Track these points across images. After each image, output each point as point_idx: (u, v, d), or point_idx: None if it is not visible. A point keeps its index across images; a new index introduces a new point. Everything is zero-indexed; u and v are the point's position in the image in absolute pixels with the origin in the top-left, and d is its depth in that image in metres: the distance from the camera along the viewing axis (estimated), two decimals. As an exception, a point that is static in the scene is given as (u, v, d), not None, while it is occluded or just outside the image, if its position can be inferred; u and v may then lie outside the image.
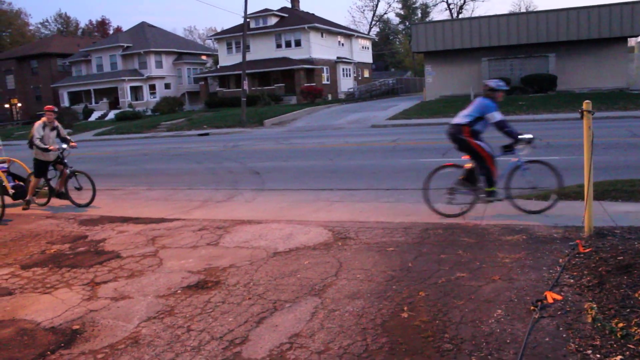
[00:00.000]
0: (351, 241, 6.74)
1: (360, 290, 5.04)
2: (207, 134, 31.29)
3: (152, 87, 57.78)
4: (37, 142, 10.38)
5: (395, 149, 16.86)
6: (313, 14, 58.43)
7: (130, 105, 54.15)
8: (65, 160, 10.74)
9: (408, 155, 14.99)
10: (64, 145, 10.62)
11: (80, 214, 9.90)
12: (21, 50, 68.03)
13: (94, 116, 54.34)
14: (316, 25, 51.12)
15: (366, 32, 78.20)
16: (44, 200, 11.04)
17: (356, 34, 62.15)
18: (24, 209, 10.76)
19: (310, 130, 28.39)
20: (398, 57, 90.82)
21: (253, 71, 48.39)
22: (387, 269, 5.57)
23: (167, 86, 58.71)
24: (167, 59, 58.97)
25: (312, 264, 5.94)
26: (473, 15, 76.62)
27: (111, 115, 52.39)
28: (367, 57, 64.57)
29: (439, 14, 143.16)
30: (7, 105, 58.83)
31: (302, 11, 58.28)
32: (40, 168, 10.72)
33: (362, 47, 62.74)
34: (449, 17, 79.08)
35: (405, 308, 4.58)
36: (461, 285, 5.01)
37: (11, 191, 10.91)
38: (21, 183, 11.46)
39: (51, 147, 10.38)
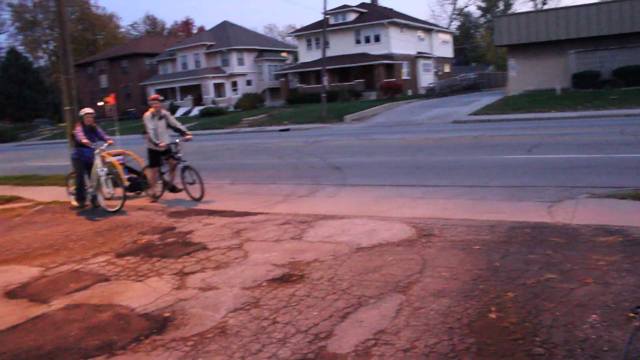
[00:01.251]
0: (435, 238, 6.63)
1: (446, 289, 4.95)
2: (287, 130, 31.72)
3: (234, 84, 59.17)
4: (151, 134, 10.63)
5: (477, 145, 16.48)
6: (392, 9, 57.96)
7: (213, 102, 55.70)
8: (179, 155, 10.74)
9: (491, 152, 14.60)
10: (177, 140, 10.83)
11: (168, 208, 10.26)
12: (113, 52, 71.61)
13: (179, 113, 56.23)
14: (395, 20, 50.69)
15: (446, 26, 76.66)
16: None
17: (436, 28, 61.12)
18: (152, 202, 11.01)
19: (390, 126, 28.20)
20: (479, 51, 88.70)
21: (333, 67, 48.59)
22: (473, 268, 5.44)
23: (248, 83, 59.97)
24: (249, 56, 60.22)
25: (396, 260, 5.89)
26: (559, 6, 73.64)
27: (195, 111, 54.09)
28: (448, 51, 63.39)
29: (522, 5, 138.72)
30: (99, 104, 61.83)
31: (381, 6, 57.91)
32: (153, 158, 10.91)
33: (442, 42, 61.64)
34: (533, 9, 76.28)
35: (493, 309, 4.45)
36: (552, 287, 4.81)
37: (126, 183, 11.36)
38: (135, 175, 11.95)
39: (161, 144, 10.59)
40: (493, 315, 4.33)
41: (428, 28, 58.39)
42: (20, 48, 78.09)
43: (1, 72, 64.47)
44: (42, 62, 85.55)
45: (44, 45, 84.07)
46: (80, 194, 10.92)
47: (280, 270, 5.84)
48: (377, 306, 4.70)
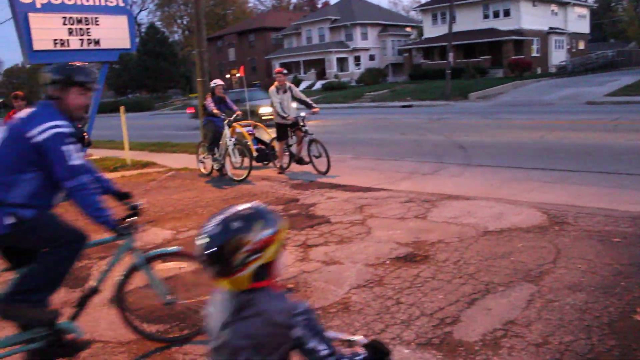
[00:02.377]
0: (569, 227, 6.22)
1: (582, 283, 4.62)
2: (410, 106, 31.24)
3: (357, 59, 59.08)
4: (278, 108, 10.85)
5: (616, 129, 15.29)
6: (525, -19, 54.87)
7: (335, 76, 56.01)
8: (306, 128, 10.84)
9: (632, 137, 13.46)
10: (302, 114, 11.00)
11: (292, 180, 10.44)
12: (241, 26, 73.98)
13: (302, 86, 57.09)
14: (528, -7, 48.02)
15: None
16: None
17: (572, 1, 57.19)
18: (279, 173, 11.24)
19: (517, 105, 26.94)
20: (620, 26, 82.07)
21: (458, 43, 46.98)
22: (613, 262, 5.03)
23: (371, 58, 59.62)
24: (372, 31, 59.75)
25: (526, 247, 5.59)
26: None
27: (318, 85, 54.69)
28: (584, 27, 59.18)
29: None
30: (227, 76, 64.30)
31: (513, -22, 55.00)
32: (280, 132, 11.14)
33: (578, 16, 57.60)
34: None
35: (638, 309, 4.09)
36: None
37: (255, 154, 11.75)
38: (263, 147, 12.34)
39: (289, 118, 10.78)
40: (638, 317, 3.97)
41: (563, 1, 54.73)
42: (158, 23, 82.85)
43: (141, 46, 68.57)
44: (176, 37, 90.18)
45: (179, 21, 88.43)
46: (212, 153, 11.29)
47: (404, 249, 5.73)
48: (506, 295, 4.48)
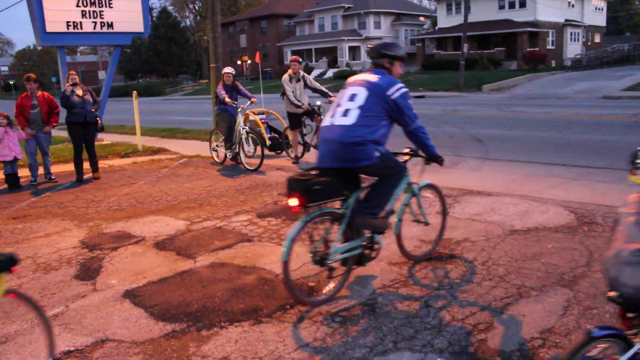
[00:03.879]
0: (599, 227, 5.96)
1: (620, 288, 4.37)
2: (422, 97, 30.87)
3: (369, 48, 58.59)
4: (291, 96, 10.63)
5: (637, 125, 14.95)
6: (542, -28, 54.09)
7: (347, 65, 55.60)
8: (322, 117, 10.60)
9: (655, 133, 13.14)
10: (318, 103, 10.76)
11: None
12: (253, 12, 73.44)
13: (314, 74, 56.66)
14: (545, -16, 47.30)
15: (602, -8, 70.58)
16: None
17: (590, -7, 56.40)
18: (293, 163, 11.01)
19: (532, 98, 26.56)
20: (637, 19, 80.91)
21: (472, 34, 46.45)
22: (651, 266, 4.77)
23: (383, 47, 59.06)
24: (386, 19, 59.23)
25: (556, 248, 5.34)
26: None
27: (329, 73, 54.30)
28: (600, 19, 58.36)
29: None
30: (238, 62, 64.01)
31: (530, -32, 54.18)
32: (293, 121, 10.94)
33: (595, 9, 56.76)
34: None
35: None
36: None
37: (268, 142, 11.49)
38: (276, 135, 12.08)
39: (304, 107, 10.58)
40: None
41: (577, -8, 53.96)
42: (170, 8, 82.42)
43: (153, 30, 68.26)
44: (188, 22, 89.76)
45: (191, 5, 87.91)
46: (229, 144, 11.08)
47: (428, 247, 5.49)
48: (540, 300, 4.24)
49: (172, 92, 61.67)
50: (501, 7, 48.98)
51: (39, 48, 51.94)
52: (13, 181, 9.74)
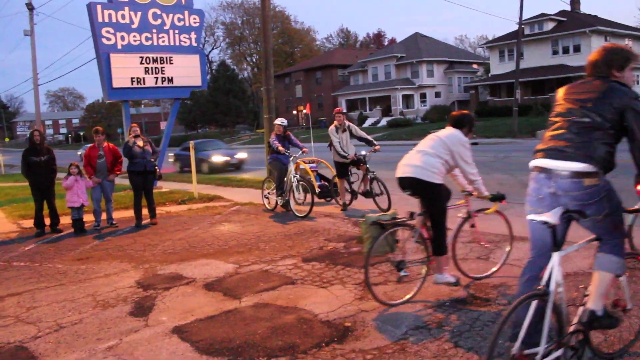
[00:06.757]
0: (640, 273, 5.96)
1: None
2: (476, 144, 30.78)
3: (423, 96, 59.07)
4: (337, 147, 11.03)
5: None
6: (595, 16, 53.66)
7: (401, 113, 56.12)
8: (367, 166, 11.01)
9: None
10: (363, 152, 11.09)
11: (353, 217, 10.47)
12: (308, 63, 75.68)
13: (368, 122, 57.44)
14: (599, 28, 46.89)
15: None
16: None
17: (648, 35, 55.46)
18: (341, 210, 11.28)
19: (588, 144, 26.09)
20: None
21: (526, 79, 46.40)
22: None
23: (437, 95, 59.50)
24: (438, 67, 59.75)
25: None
26: None
27: (383, 122, 54.93)
28: (660, 63, 57.01)
29: None
30: (294, 112, 65.66)
31: (583, 13, 53.85)
32: (340, 170, 11.27)
33: (655, 53, 55.63)
34: None
35: None
36: None
37: (317, 190, 11.91)
38: (326, 183, 12.49)
39: (350, 157, 10.95)
40: None
41: (639, 35, 53.16)
42: (228, 61, 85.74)
43: (212, 82, 71.02)
44: (245, 74, 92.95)
45: (248, 58, 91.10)
46: (280, 191, 11.45)
47: (464, 292, 5.64)
48: (570, 342, 4.32)
49: (229, 142, 63.41)
50: (555, 53, 48.81)
51: (107, 102, 54.74)
52: (79, 226, 10.47)
